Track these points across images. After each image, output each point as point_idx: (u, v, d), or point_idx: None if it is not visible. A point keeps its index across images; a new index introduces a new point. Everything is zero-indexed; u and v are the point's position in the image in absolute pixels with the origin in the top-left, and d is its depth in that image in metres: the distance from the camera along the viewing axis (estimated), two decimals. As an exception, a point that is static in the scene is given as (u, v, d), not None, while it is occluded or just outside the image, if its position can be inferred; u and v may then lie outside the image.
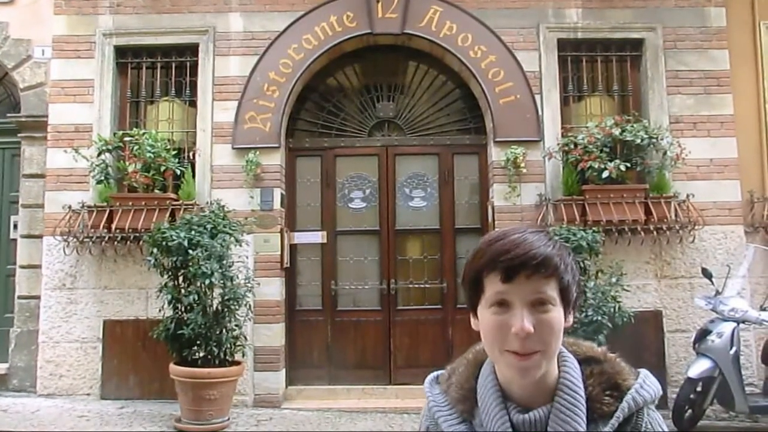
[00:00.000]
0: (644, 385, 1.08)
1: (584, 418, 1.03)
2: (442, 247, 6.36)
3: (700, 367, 4.84)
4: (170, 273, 5.12)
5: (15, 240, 6.40)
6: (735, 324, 4.91)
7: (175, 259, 5.02)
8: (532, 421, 1.04)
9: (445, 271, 6.31)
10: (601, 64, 6.32)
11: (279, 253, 5.97)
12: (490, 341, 1.05)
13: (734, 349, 4.85)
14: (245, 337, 5.38)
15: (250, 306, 5.42)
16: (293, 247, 6.30)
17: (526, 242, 1.03)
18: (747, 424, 5.30)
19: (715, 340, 4.87)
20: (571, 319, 1.08)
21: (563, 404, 1.04)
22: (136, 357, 5.86)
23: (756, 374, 5.66)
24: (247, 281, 5.36)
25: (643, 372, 1.11)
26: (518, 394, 1.07)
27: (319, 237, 6.35)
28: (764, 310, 5.13)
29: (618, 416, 1.04)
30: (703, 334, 5.00)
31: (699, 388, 4.86)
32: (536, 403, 1.06)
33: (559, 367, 1.08)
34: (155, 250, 5.06)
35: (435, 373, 1.21)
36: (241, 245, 5.45)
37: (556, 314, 1.03)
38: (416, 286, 6.33)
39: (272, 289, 5.92)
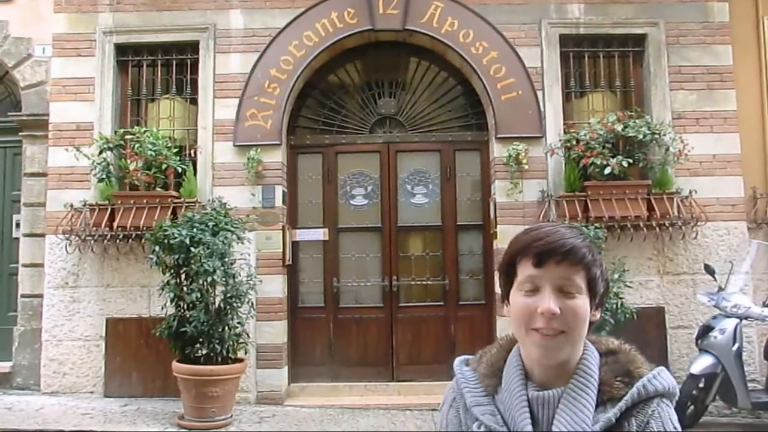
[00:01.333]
0: (657, 376, 1.12)
1: (593, 399, 1.09)
2: (444, 243, 6.36)
3: (702, 363, 4.84)
4: (172, 271, 5.12)
5: (17, 239, 6.42)
6: (737, 320, 4.90)
7: (177, 256, 5.01)
8: (547, 398, 1.11)
9: (447, 267, 6.31)
10: (603, 60, 6.30)
11: (281, 250, 5.97)
12: (518, 321, 1.13)
13: (737, 345, 4.84)
14: (248, 335, 5.38)
15: (252, 303, 5.43)
16: (295, 245, 6.30)
17: (558, 233, 1.14)
18: (749, 420, 5.30)
19: (717, 336, 4.87)
20: (598, 314, 1.16)
21: (576, 385, 1.11)
22: (139, 355, 5.87)
23: (758, 370, 5.66)
24: (249, 279, 5.36)
25: (661, 368, 1.16)
26: (539, 375, 1.14)
27: (320, 234, 6.34)
28: (767, 306, 5.11)
29: (627, 400, 1.08)
30: (706, 330, 5.00)
31: (701, 385, 4.86)
32: (555, 386, 1.13)
33: (581, 356, 1.15)
34: (157, 248, 5.06)
35: (464, 357, 1.30)
36: (242, 243, 5.44)
37: (582, 302, 1.11)
38: (418, 283, 6.32)
39: (274, 287, 5.93)
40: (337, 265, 6.34)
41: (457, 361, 1.29)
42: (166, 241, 4.97)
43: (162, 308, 5.25)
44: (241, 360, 5.27)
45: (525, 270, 1.13)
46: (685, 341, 5.76)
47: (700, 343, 4.99)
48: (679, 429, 1.11)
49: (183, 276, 5.12)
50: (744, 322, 4.99)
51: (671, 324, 5.85)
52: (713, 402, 4.99)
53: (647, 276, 5.89)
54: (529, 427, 1.10)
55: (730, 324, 4.88)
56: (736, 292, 5.10)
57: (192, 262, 4.96)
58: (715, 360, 4.81)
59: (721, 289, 5.12)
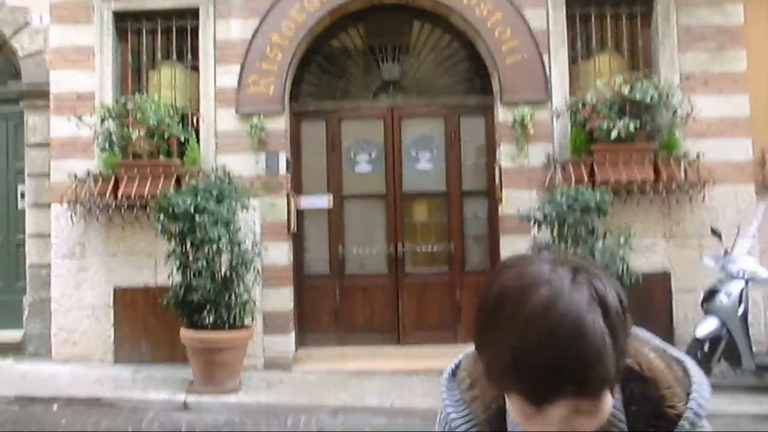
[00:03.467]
0: (697, 408, 0.86)
1: None
2: (449, 209, 6.34)
3: (707, 326, 4.86)
4: (178, 239, 5.13)
5: (23, 210, 6.43)
6: (744, 283, 4.90)
7: (182, 225, 5.02)
8: None
9: (452, 233, 6.30)
10: (610, 21, 6.15)
11: (286, 217, 5.97)
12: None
13: (742, 307, 4.86)
14: (254, 302, 5.42)
15: (258, 271, 5.45)
16: (300, 212, 6.29)
17: (575, 334, 0.73)
18: (753, 382, 5.32)
19: (723, 299, 4.88)
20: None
21: None
22: (147, 323, 5.93)
23: (763, 332, 5.67)
24: (254, 246, 5.37)
25: (696, 384, 0.88)
26: None
27: (325, 201, 6.33)
28: (773, 269, 5.11)
29: None
30: (712, 293, 5.00)
31: (706, 347, 4.89)
32: None
33: None
34: (162, 217, 5.06)
35: (450, 368, 1.01)
36: (247, 210, 5.44)
37: (603, 412, 0.79)
38: (423, 249, 6.33)
39: (280, 254, 5.94)
40: (342, 232, 6.34)
41: (445, 378, 1.00)
42: (170, 209, 4.97)
43: (168, 276, 5.27)
44: (248, 327, 5.32)
45: (515, 401, 0.79)
46: (691, 305, 5.75)
47: (706, 306, 5.00)
48: None
49: (188, 244, 5.13)
50: (750, 284, 4.99)
51: (677, 288, 5.84)
52: (718, 364, 5.02)
53: (653, 240, 5.86)
54: None
55: (736, 287, 4.88)
56: (743, 255, 5.08)
57: (197, 230, 4.97)
58: (720, 323, 4.82)
59: (727, 252, 5.10)
